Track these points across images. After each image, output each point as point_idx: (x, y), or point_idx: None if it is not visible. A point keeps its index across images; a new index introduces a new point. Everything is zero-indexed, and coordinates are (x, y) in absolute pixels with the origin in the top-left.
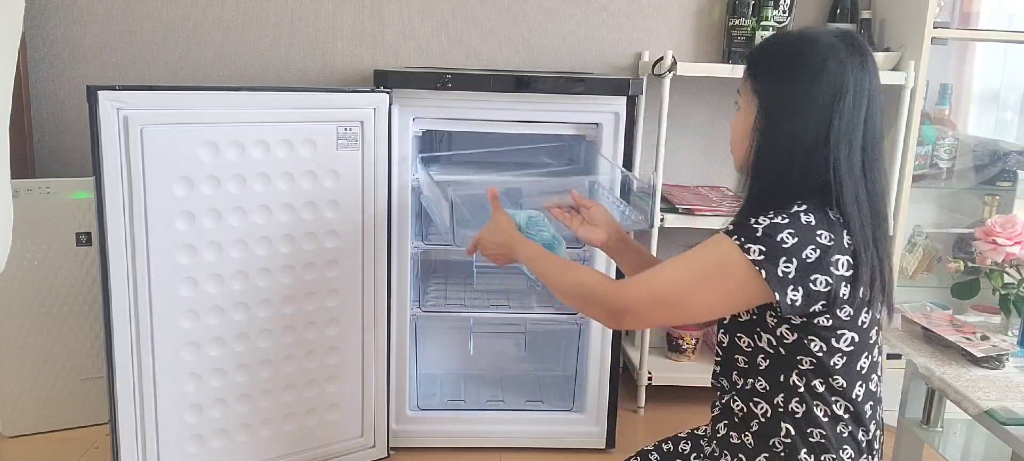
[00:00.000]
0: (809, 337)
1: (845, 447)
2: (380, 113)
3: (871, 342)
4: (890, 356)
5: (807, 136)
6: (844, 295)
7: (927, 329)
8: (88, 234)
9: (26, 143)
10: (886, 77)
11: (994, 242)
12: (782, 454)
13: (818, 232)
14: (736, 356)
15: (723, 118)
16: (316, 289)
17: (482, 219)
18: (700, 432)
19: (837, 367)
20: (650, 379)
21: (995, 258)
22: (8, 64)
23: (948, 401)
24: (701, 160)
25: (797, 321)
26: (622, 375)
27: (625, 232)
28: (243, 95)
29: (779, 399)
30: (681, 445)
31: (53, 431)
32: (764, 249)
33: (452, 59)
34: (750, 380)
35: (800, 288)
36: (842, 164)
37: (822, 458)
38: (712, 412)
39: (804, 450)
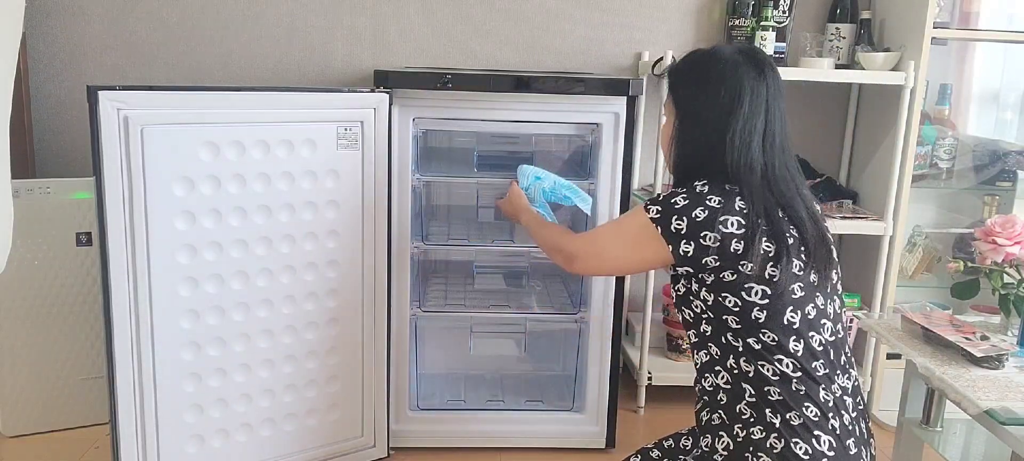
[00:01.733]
0: (722, 294)
1: (806, 405)
2: (380, 113)
3: (797, 297)
4: (890, 356)
5: (712, 133)
6: (737, 250)
7: (927, 329)
8: (88, 234)
9: (26, 143)
10: (886, 77)
11: (994, 242)
12: (752, 418)
13: (709, 197)
14: (689, 333)
15: None
16: (316, 289)
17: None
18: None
19: (761, 321)
20: (650, 379)
21: (995, 258)
22: (8, 64)
23: (948, 401)
24: None
25: (709, 280)
26: (622, 375)
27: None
28: (243, 95)
29: (730, 362)
30: (682, 441)
31: (53, 431)
32: (660, 209)
33: (452, 59)
34: (702, 351)
35: (692, 242)
36: (739, 151)
37: (787, 416)
38: (695, 406)
39: (768, 409)
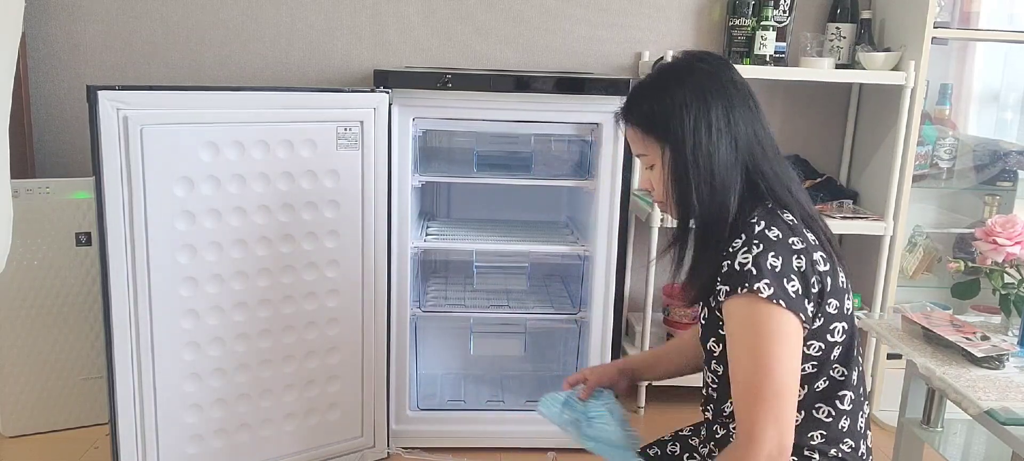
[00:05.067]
0: (809, 344)
1: (845, 440)
2: (380, 113)
3: (850, 314)
4: (890, 356)
5: (723, 152)
6: (824, 287)
7: (927, 329)
8: (88, 234)
9: (26, 143)
10: (886, 77)
11: (994, 242)
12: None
13: (789, 238)
14: (722, 388)
15: None
16: (316, 289)
17: None
18: (686, 432)
19: (835, 358)
20: None
21: (995, 258)
22: (8, 64)
23: (948, 401)
24: None
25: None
26: None
27: (630, 363)
28: (243, 95)
29: None
30: (680, 437)
31: (53, 431)
32: (766, 281)
33: (451, 59)
34: (729, 403)
35: (808, 299)
36: (760, 161)
37: (830, 452)
38: (705, 441)
39: (805, 450)
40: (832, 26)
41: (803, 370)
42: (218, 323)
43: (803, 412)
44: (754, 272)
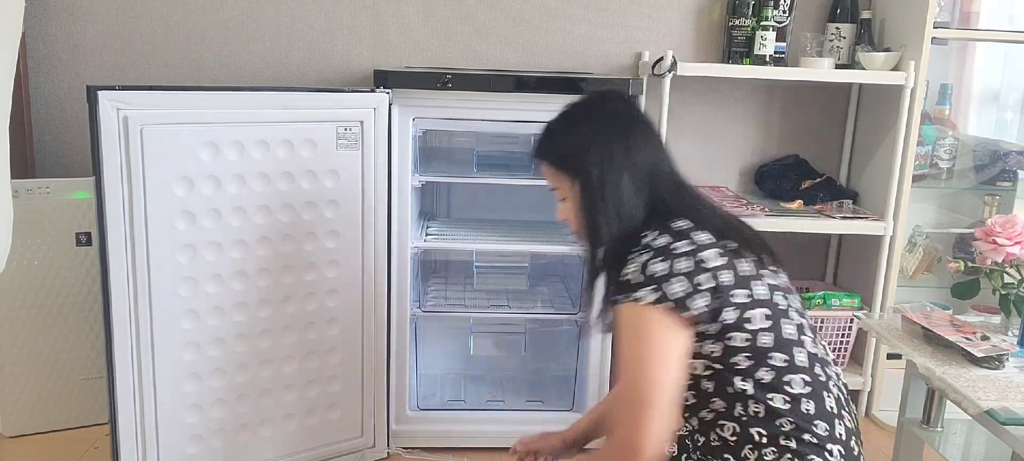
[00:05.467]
0: (729, 336)
1: (816, 422)
2: (380, 113)
3: (784, 306)
4: (890, 356)
5: (626, 183)
6: (728, 282)
7: (927, 329)
8: (88, 234)
9: (26, 143)
10: (886, 77)
11: (994, 242)
12: (764, 450)
13: (673, 244)
14: (683, 396)
15: (723, 118)
16: (316, 289)
17: None
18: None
19: (770, 346)
20: None
21: (995, 258)
22: (8, 64)
23: (948, 401)
24: (701, 160)
25: (714, 329)
26: None
27: (573, 428)
28: (243, 95)
29: (738, 410)
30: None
31: (53, 431)
32: (650, 287)
33: (451, 59)
34: (704, 410)
35: (697, 296)
36: (660, 188)
37: (802, 436)
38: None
39: (781, 438)
40: (832, 26)
41: (738, 364)
42: (218, 323)
43: (762, 405)
44: (637, 280)
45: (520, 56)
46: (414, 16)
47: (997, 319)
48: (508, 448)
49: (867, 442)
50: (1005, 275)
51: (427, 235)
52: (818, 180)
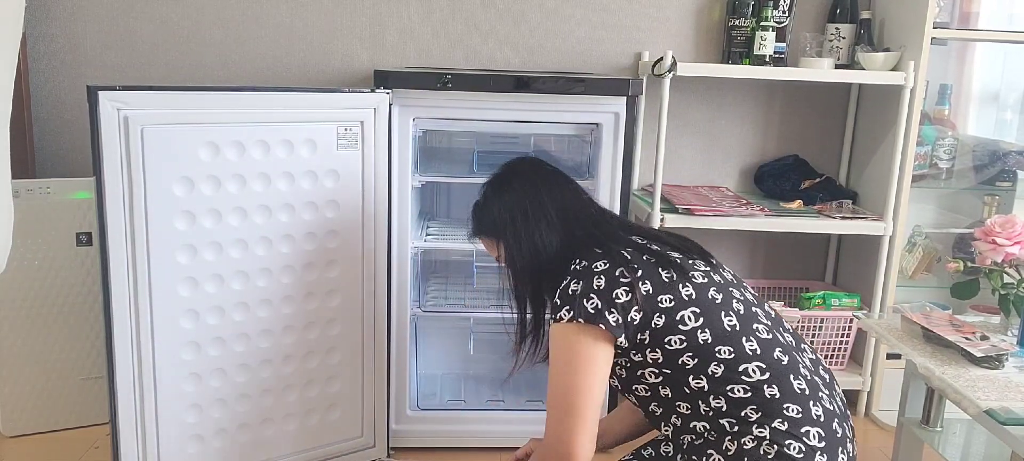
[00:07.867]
0: (665, 340)
1: (786, 406)
2: (380, 113)
3: (721, 301)
4: (890, 356)
5: (542, 231)
6: (649, 291)
7: (927, 329)
8: (88, 234)
9: (26, 143)
10: (886, 77)
11: (994, 242)
12: (740, 437)
13: (593, 265)
14: (650, 409)
15: (723, 118)
16: (316, 289)
17: None
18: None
19: (710, 341)
20: None
21: (995, 258)
22: (8, 64)
23: (948, 401)
24: (701, 160)
25: (647, 338)
26: None
27: None
28: (243, 95)
29: (702, 408)
30: (663, 447)
31: (53, 431)
32: (567, 307)
33: (451, 59)
34: (673, 416)
35: (613, 310)
36: (574, 225)
37: (773, 424)
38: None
39: (755, 427)
40: (832, 26)
41: (686, 364)
42: (218, 323)
43: (722, 398)
44: (559, 303)
45: (520, 56)
46: (414, 16)
47: (996, 319)
48: (508, 448)
49: (867, 442)
50: (1004, 275)
51: (427, 235)
52: (818, 180)
